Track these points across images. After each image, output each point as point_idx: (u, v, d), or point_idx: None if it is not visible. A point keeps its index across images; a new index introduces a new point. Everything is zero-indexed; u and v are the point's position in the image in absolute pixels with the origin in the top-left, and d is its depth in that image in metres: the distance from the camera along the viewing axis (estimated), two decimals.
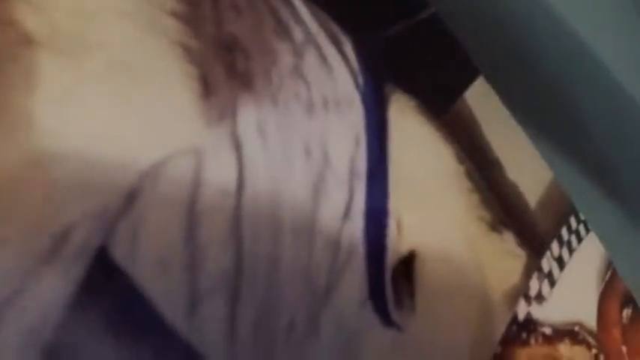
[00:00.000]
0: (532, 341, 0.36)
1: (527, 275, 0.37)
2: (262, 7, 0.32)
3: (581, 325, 0.37)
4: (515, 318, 0.36)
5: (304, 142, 0.31)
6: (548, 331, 0.36)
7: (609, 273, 0.39)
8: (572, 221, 0.39)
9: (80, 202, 0.26)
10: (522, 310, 0.36)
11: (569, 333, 0.37)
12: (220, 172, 0.29)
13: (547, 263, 0.38)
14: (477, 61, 0.37)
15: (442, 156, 0.37)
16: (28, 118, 0.26)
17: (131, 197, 0.27)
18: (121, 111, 0.27)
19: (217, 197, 0.28)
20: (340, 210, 0.32)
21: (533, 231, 0.39)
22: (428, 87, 0.38)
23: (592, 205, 0.35)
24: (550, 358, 0.36)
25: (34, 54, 0.26)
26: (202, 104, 0.29)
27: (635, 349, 0.38)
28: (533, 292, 0.36)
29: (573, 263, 0.38)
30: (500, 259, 0.37)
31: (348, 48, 0.35)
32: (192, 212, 0.28)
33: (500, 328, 0.36)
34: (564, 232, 0.38)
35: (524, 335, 0.36)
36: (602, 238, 0.36)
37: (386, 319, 0.33)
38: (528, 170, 0.39)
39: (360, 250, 0.32)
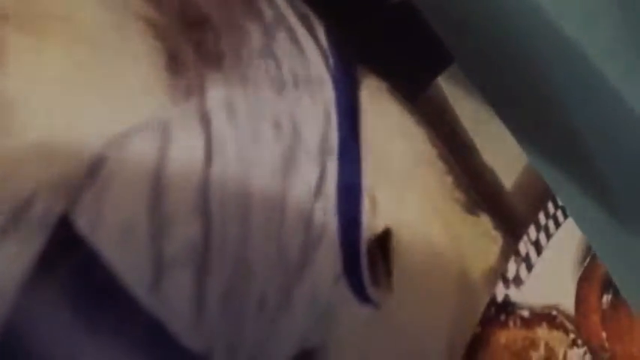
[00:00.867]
0: (510, 324, 0.36)
1: (504, 258, 0.36)
2: None
3: (558, 309, 0.37)
4: (493, 300, 0.35)
5: (274, 119, 0.31)
6: (526, 314, 0.36)
7: (588, 258, 0.38)
8: (550, 207, 0.39)
9: (41, 171, 0.25)
10: (500, 292, 0.36)
11: (546, 317, 0.37)
12: (187, 146, 0.28)
13: (524, 247, 0.37)
14: (450, 46, 0.37)
15: (414, 138, 0.36)
16: None
17: (95, 166, 0.26)
18: (85, 83, 0.27)
19: (184, 170, 0.28)
20: (312, 185, 0.31)
21: (509, 214, 0.38)
22: (400, 71, 0.37)
23: (570, 192, 0.34)
24: (528, 341, 0.36)
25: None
26: (169, 80, 0.28)
27: (614, 334, 0.38)
28: (511, 274, 0.36)
29: (551, 248, 0.38)
30: (476, 241, 0.36)
31: (320, 30, 0.35)
32: (158, 184, 0.27)
33: (479, 309, 0.35)
34: (541, 216, 0.38)
35: (502, 317, 0.35)
36: (580, 224, 0.36)
37: (361, 296, 0.32)
38: (503, 155, 0.39)
39: (333, 225, 0.31)
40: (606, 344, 0.38)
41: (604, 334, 0.38)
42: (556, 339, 0.36)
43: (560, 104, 0.34)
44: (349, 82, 0.35)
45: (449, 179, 0.36)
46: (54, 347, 0.26)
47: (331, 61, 0.35)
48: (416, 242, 0.34)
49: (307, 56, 0.34)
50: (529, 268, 0.37)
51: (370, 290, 0.32)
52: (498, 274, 0.36)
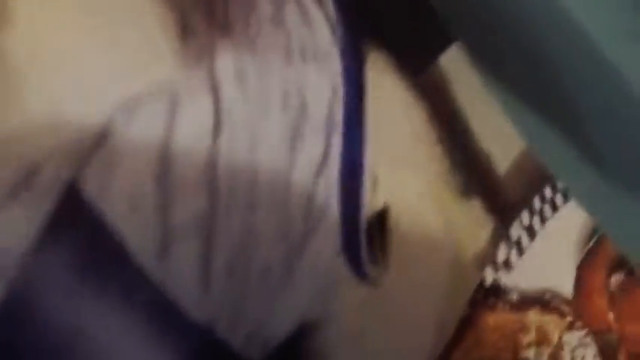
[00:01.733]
0: (499, 307, 0.36)
1: (494, 242, 0.37)
2: None
3: (553, 292, 0.37)
4: (482, 283, 0.36)
5: (282, 90, 0.31)
6: (515, 297, 0.36)
7: (593, 241, 0.38)
8: (547, 191, 0.39)
9: (50, 136, 0.25)
10: (489, 275, 0.36)
11: (539, 300, 0.37)
12: (196, 114, 0.28)
13: (516, 231, 0.37)
14: (451, 27, 0.37)
15: (415, 117, 0.36)
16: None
17: (103, 133, 0.26)
18: (95, 48, 0.27)
19: (193, 140, 0.28)
20: (317, 159, 0.31)
21: (501, 199, 0.39)
22: (404, 48, 0.37)
23: (571, 173, 0.34)
24: (519, 324, 0.36)
25: None
26: (179, 45, 0.28)
27: (625, 315, 0.38)
28: (500, 258, 0.36)
29: (546, 232, 0.38)
30: (468, 225, 0.37)
31: (328, 3, 0.35)
32: (166, 152, 0.27)
33: (470, 291, 0.35)
34: (536, 201, 0.38)
35: (491, 300, 0.36)
36: (586, 206, 0.35)
37: (359, 273, 0.32)
38: (500, 139, 0.39)
39: (335, 201, 0.31)
40: (613, 325, 0.38)
41: (611, 315, 0.38)
42: (550, 322, 0.37)
43: (562, 85, 0.34)
44: (356, 55, 0.35)
45: (445, 162, 0.37)
46: (58, 310, 0.26)
47: (339, 33, 0.34)
48: (413, 222, 0.34)
49: (315, 28, 0.33)
50: (520, 252, 0.37)
51: (367, 267, 0.32)
52: (488, 258, 0.36)
